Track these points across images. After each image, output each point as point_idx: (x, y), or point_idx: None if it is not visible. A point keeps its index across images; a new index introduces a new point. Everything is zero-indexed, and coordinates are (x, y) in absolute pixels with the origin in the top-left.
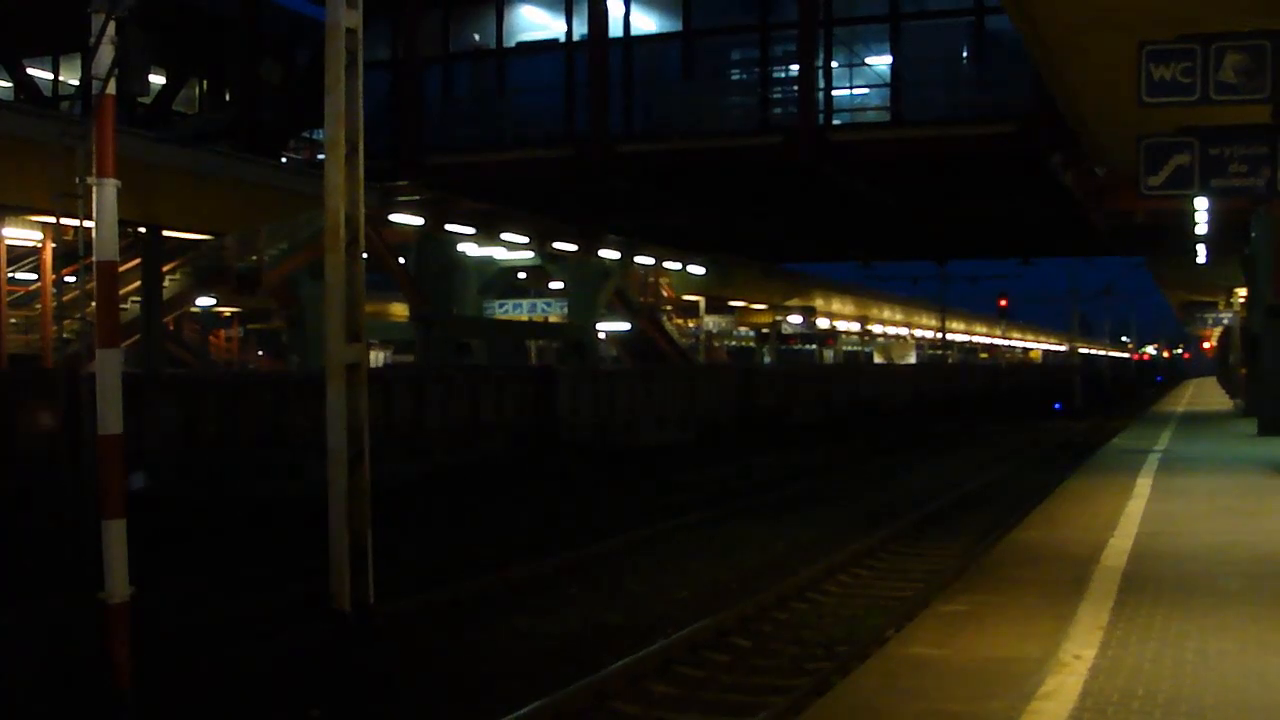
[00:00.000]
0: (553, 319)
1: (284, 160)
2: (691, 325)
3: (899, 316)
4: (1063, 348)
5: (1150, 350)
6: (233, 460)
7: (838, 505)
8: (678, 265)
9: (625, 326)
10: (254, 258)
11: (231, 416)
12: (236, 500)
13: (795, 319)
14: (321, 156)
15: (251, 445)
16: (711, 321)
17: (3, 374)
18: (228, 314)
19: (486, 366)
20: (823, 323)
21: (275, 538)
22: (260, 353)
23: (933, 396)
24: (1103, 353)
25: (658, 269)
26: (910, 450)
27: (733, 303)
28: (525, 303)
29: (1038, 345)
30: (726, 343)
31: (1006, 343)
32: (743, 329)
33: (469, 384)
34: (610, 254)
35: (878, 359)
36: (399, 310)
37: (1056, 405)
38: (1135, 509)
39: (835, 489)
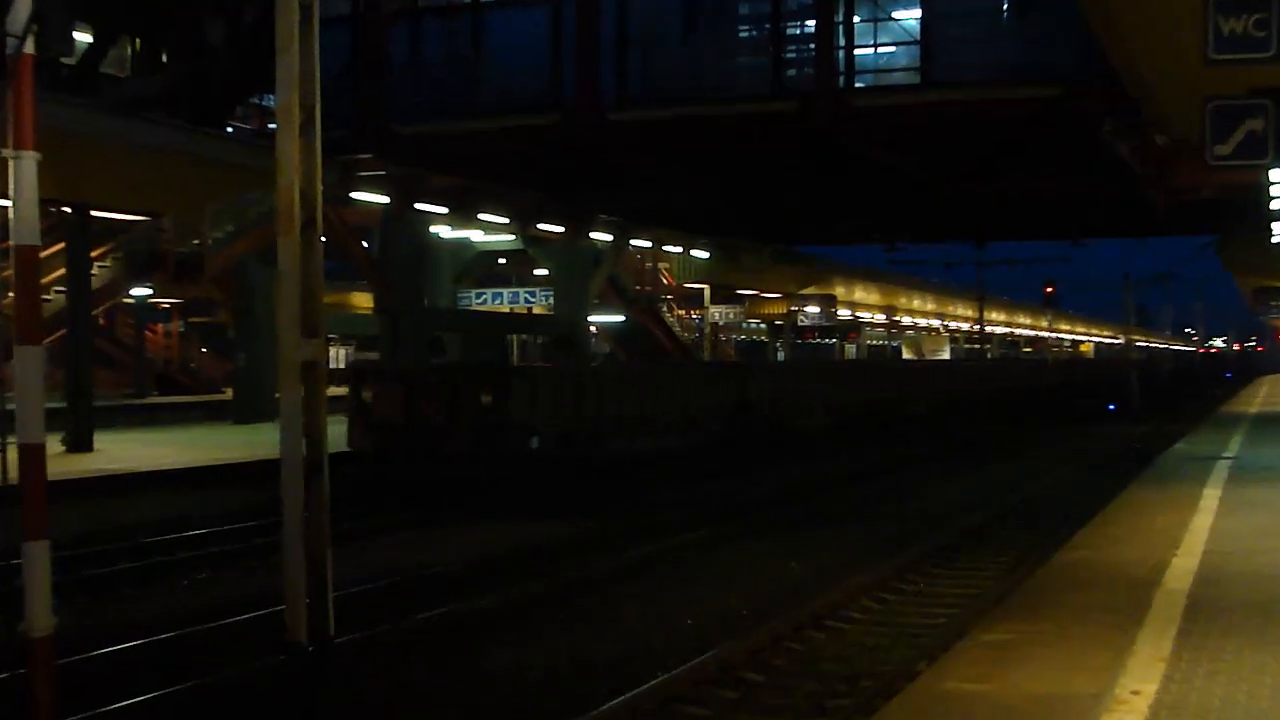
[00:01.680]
0: (537, 311)
1: (230, 130)
2: (695, 317)
3: (930, 306)
4: (1118, 340)
5: (1218, 343)
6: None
7: (860, 521)
8: (678, 249)
9: (619, 319)
10: (196, 242)
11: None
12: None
13: (812, 309)
14: (273, 126)
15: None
16: (717, 312)
17: None
18: (166, 306)
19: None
20: (844, 313)
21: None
22: (204, 350)
23: (968, 396)
24: (1164, 346)
25: (656, 253)
26: (942, 458)
27: (741, 291)
28: (506, 292)
29: (1089, 338)
30: (734, 337)
31: (1053, 335)
32: (753, 321)
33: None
34: (602, 237)
35: (906, 354)
36: (362, 301)
37: (1110, 406)
38: (1202, 524)
39: (858, 502)
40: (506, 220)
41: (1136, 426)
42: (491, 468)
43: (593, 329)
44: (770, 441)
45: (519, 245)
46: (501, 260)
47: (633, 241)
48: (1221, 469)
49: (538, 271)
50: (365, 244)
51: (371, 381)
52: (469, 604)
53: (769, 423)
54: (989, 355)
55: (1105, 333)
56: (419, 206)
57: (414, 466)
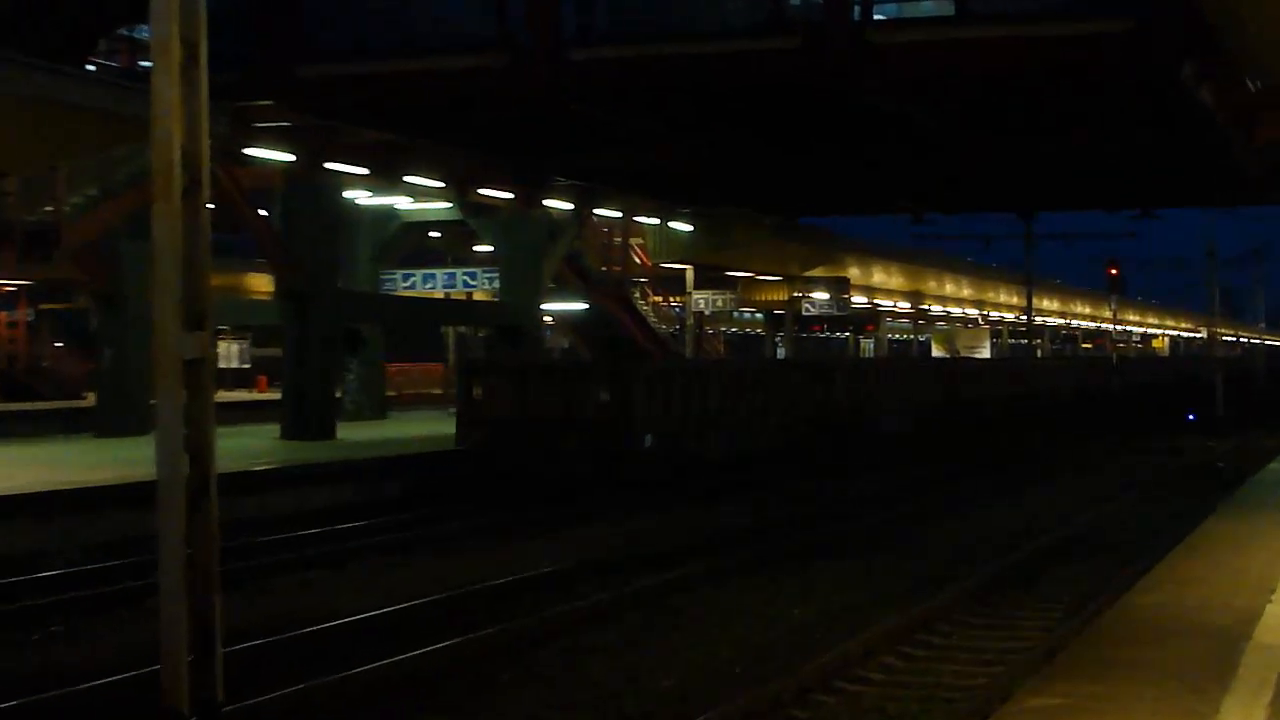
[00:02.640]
0: (479, 296)
1: (91, 69)
2: (675, 304)
3: (966, 292)
4: (1198, 334)
5: None
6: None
7: (886, 553)
8: (654, 220)
9: (580, 306)
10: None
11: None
12: None
13: (820, 295)
14: (147, 64)
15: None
16: (703, 299)
17: None
18: (11, 289)
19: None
20: (859, 300)
21: None
22: (58, 345)
23: (1015, 400)
24: (1257, 340)
25: (626, 226)
26: (982, 476)
27: (733, 273)
28: (440, 274)
29: (1162, 331)
30: (724, 329)
31: (1117, 327)
32: (746, 310)
33: None
34: (560, 205)
35: (936, 350)
36: (259, 284)
37: (1190, 415)
38: None
39: (883, 530)
40: (441, 184)
41: (1222, 440)
42: (609, 467)
43: (548, 318)
44: (848, 446)
45: (456, 215)
46: (434, 234)
47: (598, 211)
48: None
49: (480, 248)
50: (264, 213)
51: (482, 377)
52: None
53: (849, 426)
54: (1039, 353)
55: (1183, 324)
56: (331, 167)
57: (527, 464)
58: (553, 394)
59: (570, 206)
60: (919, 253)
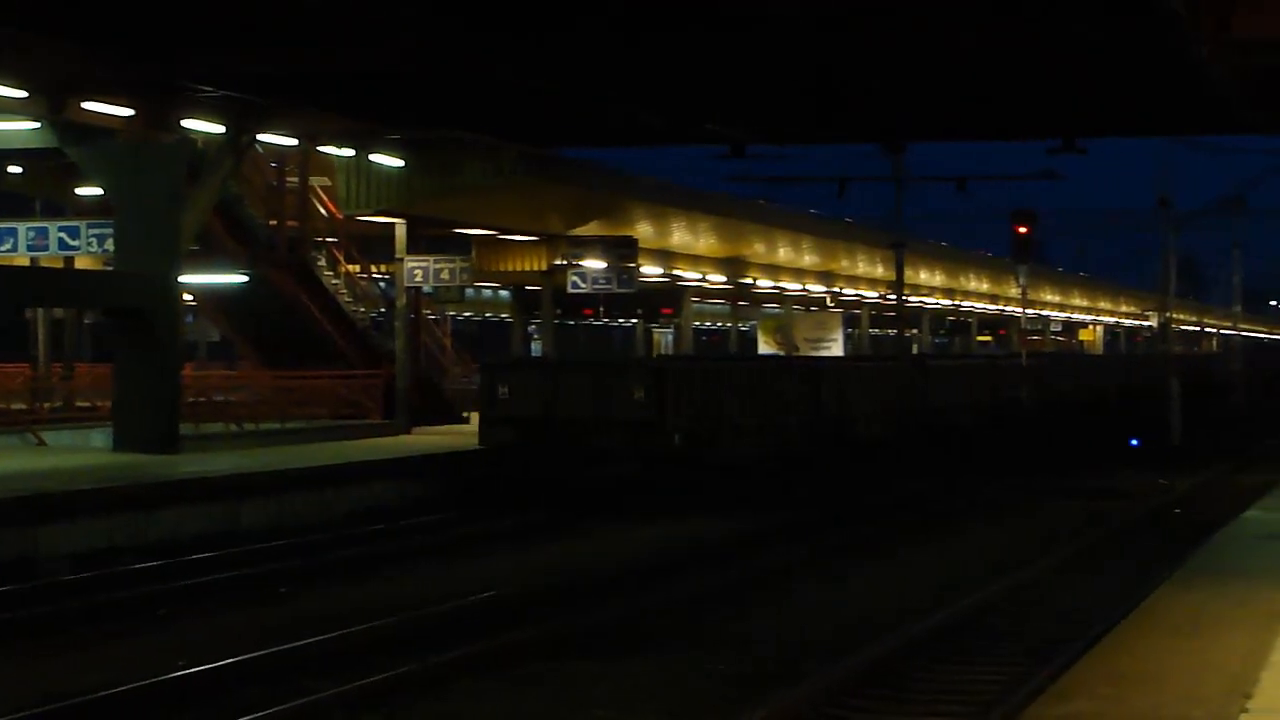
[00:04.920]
0: (83, 263)
1: None
2: (381, 275)
3: (809, 259)
4: (1147, 322)
5: None
6: None
7: (686, 646)
8: (348, 152)
9: (238, 278)
10: None
11: None
12: None
13: (595, 264)
14: None
15: None
16: (421, 268)
17: None
18: None
19: None
20: (652, 271)
21: None
22: None
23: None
24: (1230, 331)
25: (307, 159)
26: (848, 527)
27: (465, 231)
28: (23, 228)
29: (1094, 317)
30: (449, 312)
31: (1029, 312)
32: (487, 287)
33: None
34: (207, 127)
35: (764, 344)
36: None
37: (1133, 440)
38: None
39: (704, 610)
40: (21, 93)
41: (1179, 476)
42: (637, 466)
43: (189, 296)
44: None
45: (47, 141)
46: (13, 169)
47: (263, 137)
48: None
49: (85, 191)
50: None
51: (508, 375)
52: None
53: (834, 430)
54: (914, 347)
55: (1124, 308)
56: None
57: (555, 464)
58: (584, 393)
59: (221, 129)
60: (741, 203)
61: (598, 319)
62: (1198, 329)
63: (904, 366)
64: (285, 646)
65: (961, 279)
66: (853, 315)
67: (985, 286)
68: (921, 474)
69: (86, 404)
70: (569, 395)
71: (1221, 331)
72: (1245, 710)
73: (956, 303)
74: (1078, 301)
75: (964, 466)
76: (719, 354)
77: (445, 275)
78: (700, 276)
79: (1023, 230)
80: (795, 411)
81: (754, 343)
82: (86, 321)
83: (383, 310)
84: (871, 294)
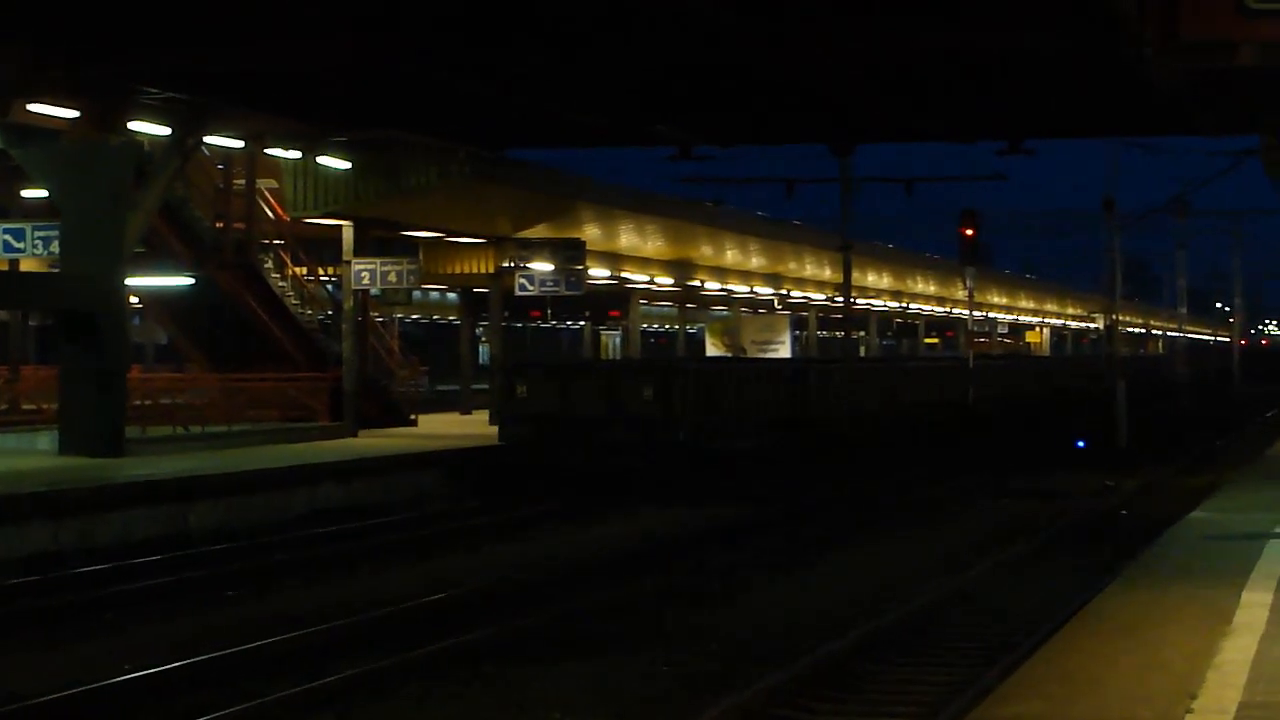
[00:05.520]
0: (28, 266)
1: None
2: (329, 278)
3: (757, 262)
4: (1093, 325)
5: (1275, 331)
6: None
7: (631, 650)
8: (295, 154)
9: (184, 280)
10: None
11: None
12: None
13: (543, 266)
14: None
15: None
16: (368, 270)
17: None
18: None
19: None
20: (600, 274)
21: None
22: None
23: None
24: (1175, 332)
25: (254, 161)
26: (785, 526)
27: (414, 234)
28: None
29: (1040, 319)
30: (397, 315)
31: (976, 314)
32: (435, 289)
33: None
34: (153, 129)
35: (712, 347)
36: None
37: (1079, 442)
38: (1238, 655)
39: (634, 615)
40: None
41: (1125, 478)
42: (650, 459)
43: (135, 298)
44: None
45: None
46: None
47: (210, 140)
48: (1274, 556)
49: (29, 193)
50: None
51: (527, 375)
52: None
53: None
54: (862, 349)
55: (1070, 311)
56: None
57: (570, 458)
58: (597, 392)
59: (167, 131)
60: (689, 205)
61: (545, 321)
62: (1144, 331)
63: (881, 368)
64: (233, 649)
65: (909, 281)
66: (800, 318)
67: (933, 289)
68: (889, 470)
69: (32, 407)
70: (583, 394)
71: (1167, 333)
72: (1190, 710)
73: (904, 305)
74: (1025, 303)
75: (911, 465)
76: (719, 357)
77: (392, 278)
78: (648, 279)
79: (969, 232)
80: (784, 410)
81: (702, 345)
82: (32, 324)
83: (330, 313)
84: (819, 296)
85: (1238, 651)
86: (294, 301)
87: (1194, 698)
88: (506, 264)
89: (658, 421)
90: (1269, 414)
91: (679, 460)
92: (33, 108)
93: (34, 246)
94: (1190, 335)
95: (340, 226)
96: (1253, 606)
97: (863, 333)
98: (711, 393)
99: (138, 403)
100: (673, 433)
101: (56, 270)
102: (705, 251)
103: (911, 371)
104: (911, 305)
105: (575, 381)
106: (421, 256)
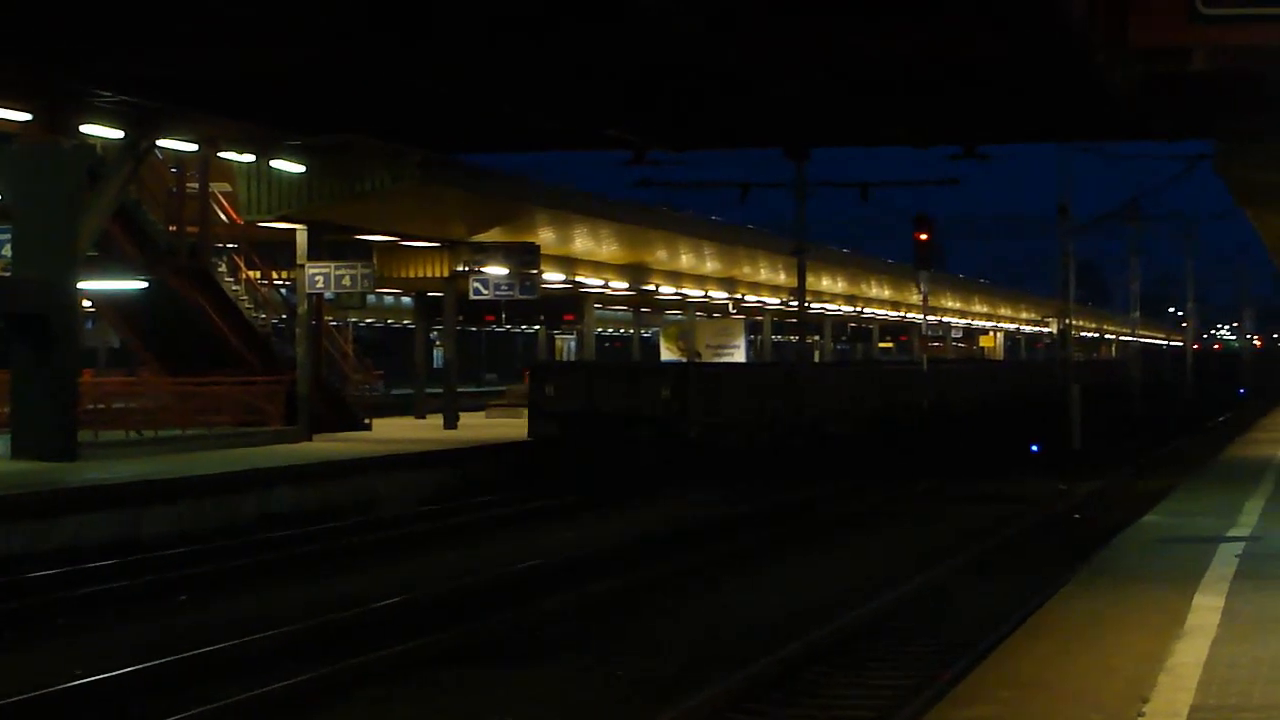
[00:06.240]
0: None
1: None
2: (283, 281)
3: (711, 266)
4: (1047, 329)
5: (1227, 336)
6: None
7: (584, 655)
8: (248, 157)
9: (137, 284)
10: None
11: None
12: None
13: (497, 270)
14: None
15: None
16: (322, 274)
17: None
18: None
19: None
20: (555, 277)
21: None
22: None
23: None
24: (1128, 336)
25: (207, 165)
26: (734, 533)
27: (368, 238)
28: None
29: (994, 324)
30: (351, 319)
31: (930, 318)
32: (389, 293)
33: None
34: (106, 132)
35: (666, 351)
36: None
37: (1034, 446)
38: (1189, 658)
39: (591, 619)
40: None
41: (1079, 482)
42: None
43: (88, 302)
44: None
45: None
46: None
47: (163, 143)
48: (1226, 559)
49: None
50: None
51: (555, 376)
52: None
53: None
54: (816, 354)
55: (1025, 315)
56: None
57: (594, 452)
58: (619, 392)
59: (120, 134)
60: (644, 209)
61: (500, 325)
62: (1097, 335)
63: (872, 371)
64: (186, 654)
65: (863, 285)
66: (755, 322)
67: (887, 293)
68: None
69: None
70: (606, 393)
71: (1121, 337)
72: (1141, 714)
73: (859, 309)
74: (979, 308)
75: (864, 470)
76: (717, 361)
77: (347, 281)
78: (603, 283)
79: (923, 237)
80: (782, 410)
81: (656, 349)
82: None
83: (284, 317)
84: (774, 300)
85: (1190, 654)
86: (248, 305)
87: (1146, 701)
88: (461, 268)
89: (673, 419)
90: (1222, 418)
91: (690, 454)
92: None
93: None
94: (1144, 340)
95: (294, 230)
96: (1205, 610)
97: (817, 337)
98: (719, 393)
99: (90, 407)
100: (686, 429)
101: (8, 274)
102: (660, 255)
103: (873, 376)
104: (866, 310)
105: (599, 382)
106: (376, 260)
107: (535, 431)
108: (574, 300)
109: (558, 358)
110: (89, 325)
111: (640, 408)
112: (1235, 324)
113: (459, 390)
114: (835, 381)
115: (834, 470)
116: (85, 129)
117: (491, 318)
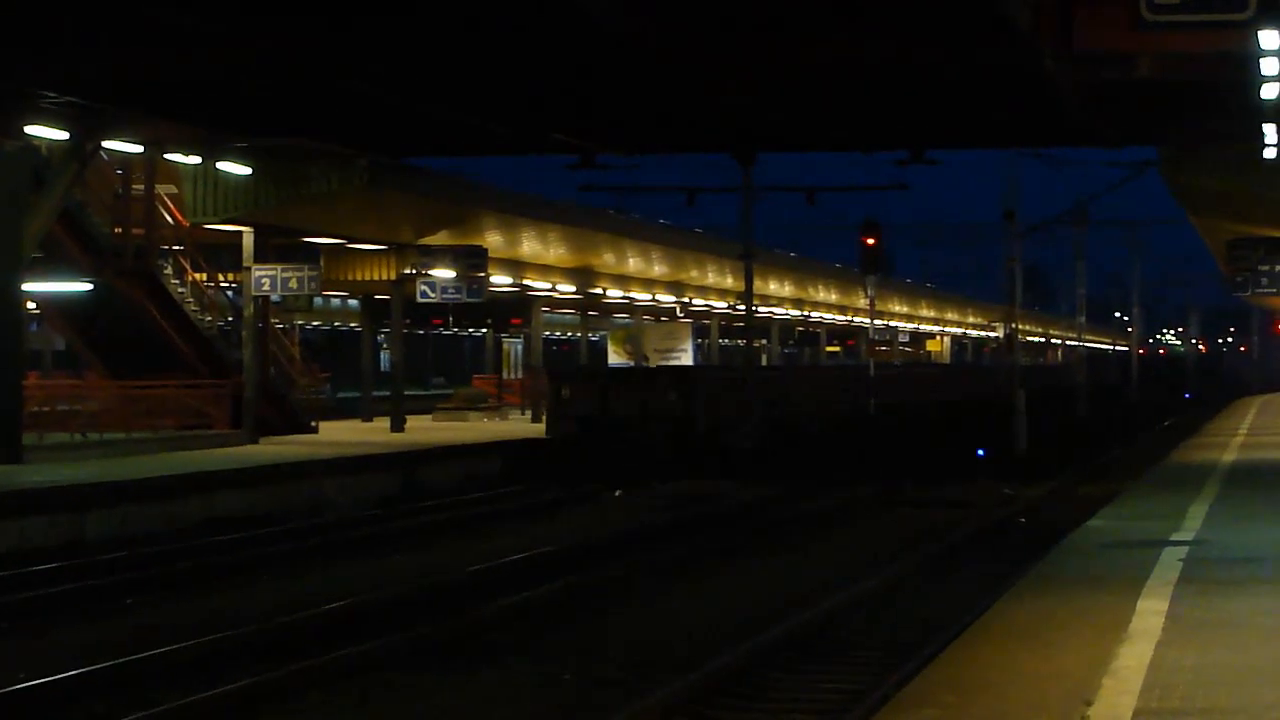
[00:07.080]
0: None
1: None
2: (229, 284)
3: (659, 270)
4: (993, 334)
5: (1172, 340)
6: None
7: (530, 655)
8: (194, 160)
9: (82, 286)
10: None
11: None
12: None
13: (444, 273)
14: None
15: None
16: (269, 277)
17: None
18: None
19: None
20: (503, 281)
21: None
22: None
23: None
24: (1074, 340)
25: (153, 167)
26: (672, 538)
27: (315, 240)
28: None
29: (941, 328)
30: (298, 322)
31: (877, 322)
32: (335, 296)
33: None
34: (51, 134)
35: (614, 355)
36: None
37: (980, 451)
38: (1133, 662)
39: (536, 620)
40: None
41: (1024, 486)
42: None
43: (32, 304)
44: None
45: None
46: None
47: (108, 145)
48: (1170, 563)
49: None
50: None
51: (571, 380)
52: None
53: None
54: (764, 357)
55: (971, 320)
56: None
57: (607, 451)
58: (631, 395)
59: (65, 135)
60: (591, 213)
61: (447, 328)
62: (1044, 340)
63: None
64: (131, 657)
65: (811, 290)
66: (703, 326)
67: (834, 297)
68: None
69: None
70: (618, 396)
71: (1067, 342)
72: (1085, 717)
73: (806, 314)
74: (925, 312)
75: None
76: (719, 365)
77: (293, 284)
78: (550, 286)
79: (870, 241)
80: (772, 410)
81: (604, 353)
82: None
83: (230, 319)
84: (721, 304)
85: (1134, 658)
86: (194, 308)
87: (1090, 704)
88: (408, 271)
89: (681, 419)
90: (1167, 422)
91: (696, 453)
92: None
93: None
94: (1089, 344)
95: (241, 233)
96: (1149, 613)
97: (764, 341)
98: (722, 396)
99: (35, 409)
100: (692, 429)
101: None
102: (608, 259)
103: (817, 379)
104: (813, 314)
105: (613, 386)
106: (323, 263)
107: (553, 431)
108: (522, 304)
109: (505, 362)
110: (33, 328)
111: (649, 410)
112: (1181, 329)
113: (406, 394)
114: (779, 384)
115: (779, 472)
116: (30, 130)
117: (439, 321)
